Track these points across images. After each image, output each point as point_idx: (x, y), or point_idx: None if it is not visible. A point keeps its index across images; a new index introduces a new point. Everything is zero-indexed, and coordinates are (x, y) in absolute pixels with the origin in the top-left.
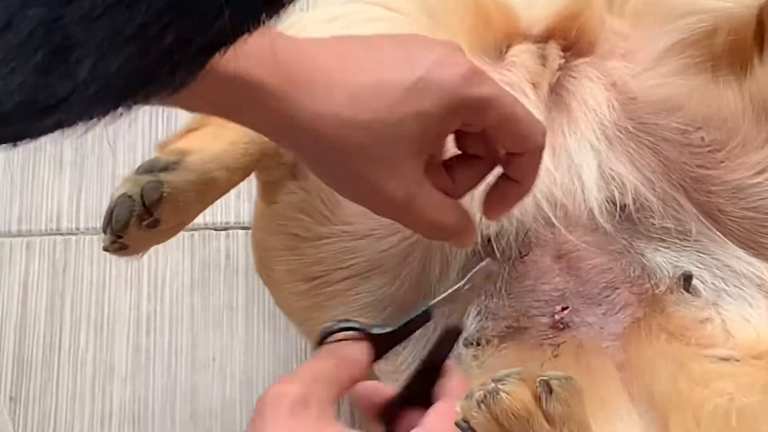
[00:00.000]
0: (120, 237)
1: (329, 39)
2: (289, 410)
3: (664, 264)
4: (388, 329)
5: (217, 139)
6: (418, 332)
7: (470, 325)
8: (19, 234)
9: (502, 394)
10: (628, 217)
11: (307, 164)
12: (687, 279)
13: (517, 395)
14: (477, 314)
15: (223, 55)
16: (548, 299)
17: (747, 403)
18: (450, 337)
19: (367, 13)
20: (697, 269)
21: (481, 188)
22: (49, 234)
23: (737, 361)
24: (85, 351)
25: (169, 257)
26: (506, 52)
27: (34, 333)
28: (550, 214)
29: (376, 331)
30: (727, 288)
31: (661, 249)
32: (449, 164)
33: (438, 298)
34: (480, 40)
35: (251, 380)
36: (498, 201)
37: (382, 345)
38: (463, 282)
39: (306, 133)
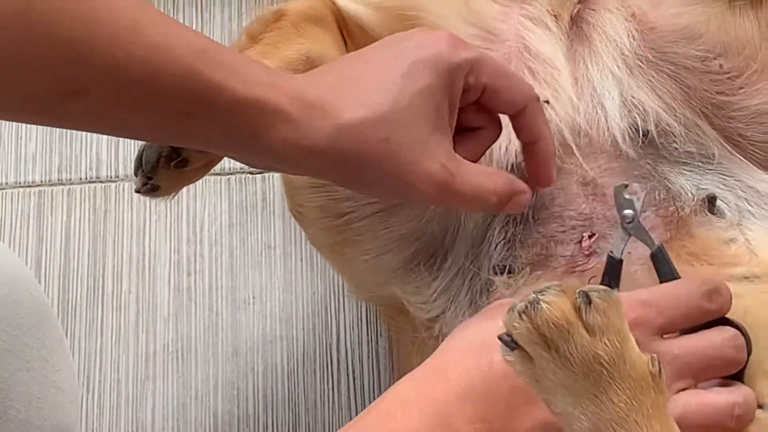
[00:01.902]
0: (150, 178)
1: (314, 70)
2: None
3: (689, 186)
4: None
5: None
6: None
7: (498, 252)
8: (60, 183)
9: (543, 304)
10: (651, 143)
11: (340, 184)
12: (711, 201)
13: (557, 305)
14: (506, 242)
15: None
16: (575, 225)
17: (762, 318)
18: (613, 269)
19: None
20: (721, 191)
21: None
22: (90, 182)
23: (757, 278)
24: (128, 293)
25: (206, 201)
26: None
27: (78, 278)
28: (574, 144)
29: None
30: (750, 208)
31: (685, 172)
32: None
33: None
34: None
35: (290, 317)
36: (535, 168)
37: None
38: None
39: (330, 155)
